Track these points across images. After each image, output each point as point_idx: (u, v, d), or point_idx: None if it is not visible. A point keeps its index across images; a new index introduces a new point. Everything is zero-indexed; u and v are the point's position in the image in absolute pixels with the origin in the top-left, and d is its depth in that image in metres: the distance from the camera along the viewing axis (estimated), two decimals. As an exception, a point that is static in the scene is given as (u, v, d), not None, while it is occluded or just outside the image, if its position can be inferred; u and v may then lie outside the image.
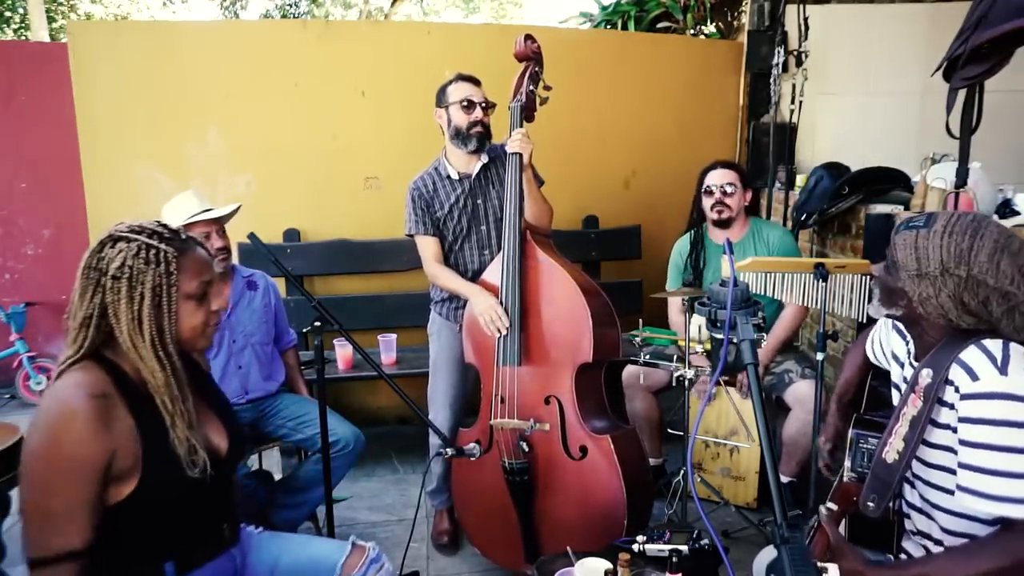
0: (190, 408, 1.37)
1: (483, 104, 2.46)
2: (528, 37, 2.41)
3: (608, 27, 5.17)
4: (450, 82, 2.50)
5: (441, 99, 2.51)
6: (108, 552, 1.33)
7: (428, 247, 2.56)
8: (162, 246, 1.32)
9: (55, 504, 1.22)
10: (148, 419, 1.32)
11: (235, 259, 2.74)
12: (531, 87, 2.40)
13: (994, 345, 1.26)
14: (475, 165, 2.53)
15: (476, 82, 2.50)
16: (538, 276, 2.32)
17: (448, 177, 2.54)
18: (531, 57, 2.41)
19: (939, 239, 1.28)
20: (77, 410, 1.23)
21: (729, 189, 2.85)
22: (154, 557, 1.38)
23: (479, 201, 2.55)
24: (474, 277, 2.52)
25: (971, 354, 1.26)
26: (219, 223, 2.49)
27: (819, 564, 1.29)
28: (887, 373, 1.64)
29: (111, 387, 1.29)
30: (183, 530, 1.42)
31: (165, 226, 1.38)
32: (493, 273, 2.42)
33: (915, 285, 1.31)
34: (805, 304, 2.50)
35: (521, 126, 2.37)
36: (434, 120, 2.56)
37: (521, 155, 2.33)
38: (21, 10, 11.59)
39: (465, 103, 2.45)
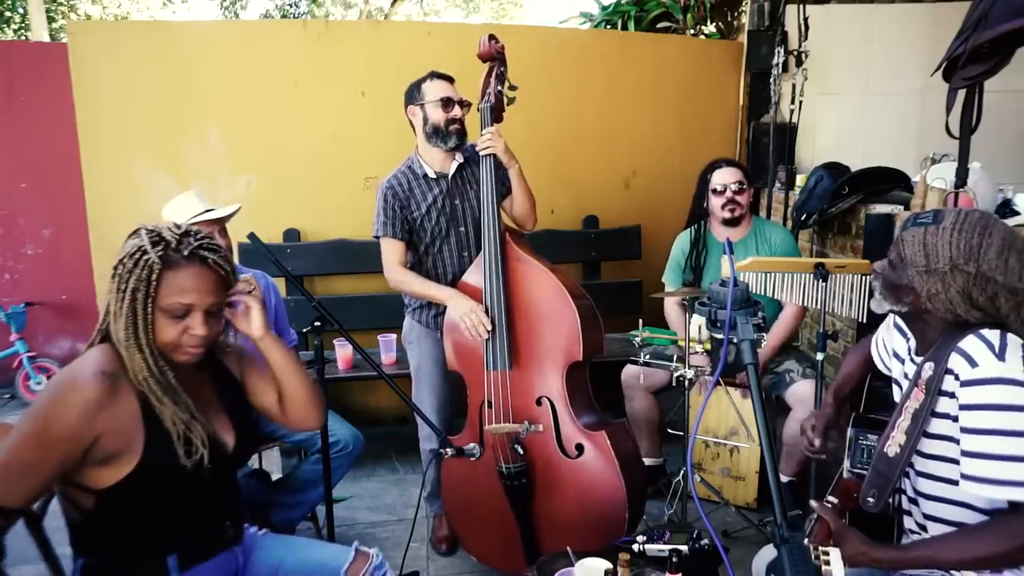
0: (184, 399, 1.37)
1: (460, 102, 2.44)
2: (492, 37, 2.39)
3: (608, 27, 5.17)
4: (423, 80, 2.46)
5: (415, 97, 2.46)
6: (108, 539, 1.35)
7: (394, 251, 2.48)
8: (152, 254, 1.30)
9: (19, 456, 1.25)
10: (152, 405, 1.34)
11: (235, 259, 2.73)
12: (498, 87, 2.39)
13: (992, 334, 1.27)
14: (451, 164, 2.49)
15: (451, 79, 2.47)
16: (521, 277, 2.31)
17: (424, 176, 2.49)
18: (496, 57, 2.40)
19: (948, 235, 1.29)
20: (81, 382, 1.27)
21: (740, 187, 2.86)
22: (156, 548, 1.39)
23: (457, 202, 2.50)
24: (454, 281, 2.48)
25: (970, 342, 1.28)
26: (220, 223, 2.49)
27: (821, 548, 1.30)
28: (889, 377, 1.65)
29: (121, 369, 1.32)
30: (184, 523, 1.42)
31: (182, 235, 1.34)
32: (473, 277, 2.39)
33: (923, 281, 1.31)
34: (805, 304, 2.50)
35: (491, 127, 2.36)
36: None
37: (494, 155, 2.33)
38: (21, 10, 11.59)
39: (444, 101, 2.41)
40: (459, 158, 2.51)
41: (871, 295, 1.47)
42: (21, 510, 1.29)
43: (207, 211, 2.45)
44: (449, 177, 2.50)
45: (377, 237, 2.51)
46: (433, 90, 2.43)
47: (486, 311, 2.29)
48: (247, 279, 1.54)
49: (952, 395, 1.29)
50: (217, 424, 1.48)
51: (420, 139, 2.50)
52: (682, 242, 3.06)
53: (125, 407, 1.31)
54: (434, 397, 2.60)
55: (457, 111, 2.42)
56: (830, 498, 1.55)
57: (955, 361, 1.28)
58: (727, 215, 2.87)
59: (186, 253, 1.33)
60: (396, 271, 2.49)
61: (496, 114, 2.40)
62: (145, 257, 1.30)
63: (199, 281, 1.34)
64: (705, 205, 2.95)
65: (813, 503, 1.46)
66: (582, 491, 2.23)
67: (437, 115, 2.42)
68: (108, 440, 1.29)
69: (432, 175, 2.49)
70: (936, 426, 1.33)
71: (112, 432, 1.29)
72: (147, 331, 1.32)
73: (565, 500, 2.26)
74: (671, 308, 3.06)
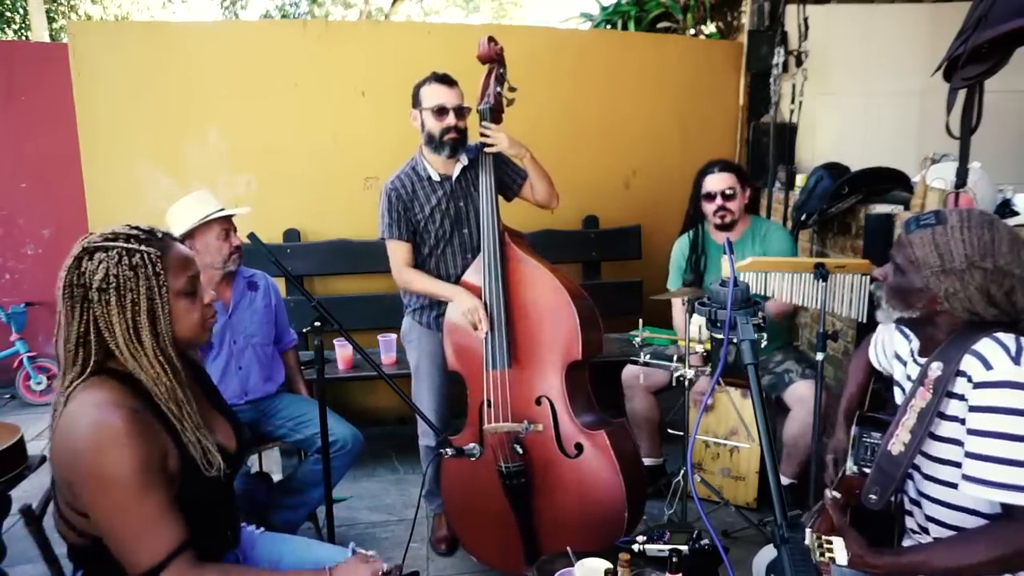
0: (194, 410, 1.36)
1: (456, 109, 2.40)
2: (491, 39, 2.39)
3: (608, 27, 5.17)
4: (424, 82, 2.44)
5: (416, 100, 2.45)
6: (107, 554, 1.32)
7: (401, 252, 2.49)
8: (143, 248, 1.28)
9: (135, 520, 1.19)
10: (171, 425, 1.31)
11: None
12: (497, 89, 2.39)
13: (1008, 337, 1.27)
14: (455, 167, 2.49)
15: (451, 83, 2.43)
16: (520, 277, 2.31)
17: (428, 178, 2.47)
18: (495, 59, 2.40)
19: (959, 234, 1.29)
20: (117, 426, 1.19)
21: (729, 192, 2.84)
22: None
23: (461, 204, 2.50)
24: (456, 282, 2.48)
25: (985, 345, 1.27)
26: (231, 222, 2.50)
27: (824, 537, 1.31)
28: (889, 378, 1.64)
29: (132, 399, 1.25)
30: (193, 532, 1.41)
31: (138, 228, 1.33)
32: (473, 276, 2.39)
33: (940, 281, 1.31)
34: (805, 304, 2.50)
35: (490, 125, 2.36)
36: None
37: (496, 154, 2.33)
38: (21, 10, 11.59)
39: (437, 109, 2.38)
40: (463, 160, 2.49)
41: (877, 305, 1.46)
42: (184, 544, 1.24)
43: (219, 210, 2.45)
44: (453, 180, 2.49)
45: (383, 239, 2.51)
46: (429, 96, 2.41)
47: (486, 310, 2.29)
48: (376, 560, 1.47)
49: (962, 397, 1.29)
50: (218, 428, 1.47)
51: (422, 142, 2.49)
52: (681, 246, 3.06)
53: (161, 433, 1.27)
54: (433, 396, 2.60)
55: (451, 119, 2.39)
56: (833, 493, 1.55)
57: (968, 363, 1.28)
58: (718, 221, 2.86)
59: (160, 236, 1.34)
60: (403, 272, 2.50)
61: (495, 115, 2.39)
62: (139, 255, 1.27)
63: (186, 255, 1.36)
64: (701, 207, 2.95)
65: (827, 493, 1.47)
66: (582, 491, 2.23)
67: (431, 123, 2.41)
68: (170, 458, 1.27)
69: (436, 178, 2.48)
70: (944, 429, 1.33)
71: (169, 451, 1.28)
72: (168, 329, 1.29)
73: (565, 500, 2.26)
74: (679, 316, 3.02)
